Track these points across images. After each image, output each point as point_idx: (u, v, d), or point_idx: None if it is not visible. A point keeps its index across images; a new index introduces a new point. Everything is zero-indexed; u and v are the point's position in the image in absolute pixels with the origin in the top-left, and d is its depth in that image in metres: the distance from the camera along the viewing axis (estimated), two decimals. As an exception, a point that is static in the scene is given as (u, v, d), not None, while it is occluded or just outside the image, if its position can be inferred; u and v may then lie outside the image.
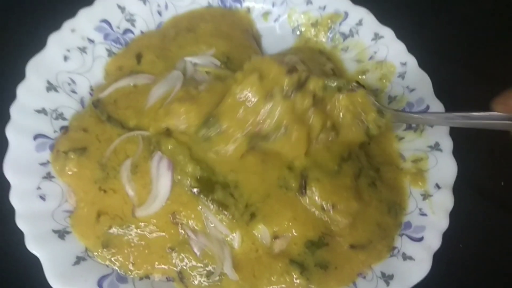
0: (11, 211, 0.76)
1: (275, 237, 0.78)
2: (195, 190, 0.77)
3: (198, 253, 0.78)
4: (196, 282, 0.78)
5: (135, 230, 0.78)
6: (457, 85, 1.04)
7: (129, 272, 0.78)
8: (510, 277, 0.90)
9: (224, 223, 0.77)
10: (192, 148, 0.80)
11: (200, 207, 0.78)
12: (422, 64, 0.97)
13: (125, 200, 0.79)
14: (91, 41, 0.94)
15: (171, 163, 0.78)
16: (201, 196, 0.77)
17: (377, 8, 1.02)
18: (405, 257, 0.81)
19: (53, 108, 0.87)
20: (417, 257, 0.80)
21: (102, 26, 0.96)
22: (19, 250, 0.74)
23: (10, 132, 0.81)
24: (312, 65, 0.95)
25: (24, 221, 0.75)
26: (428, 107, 0.93)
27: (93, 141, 0.84)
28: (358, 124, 0.84)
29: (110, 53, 0.96)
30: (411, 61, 0.97)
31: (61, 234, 0.77)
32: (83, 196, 0.81)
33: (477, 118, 0.74)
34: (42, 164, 0.82)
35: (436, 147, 0.90)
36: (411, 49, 0.98)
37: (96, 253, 0.78)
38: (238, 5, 1.06)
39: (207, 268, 0.78)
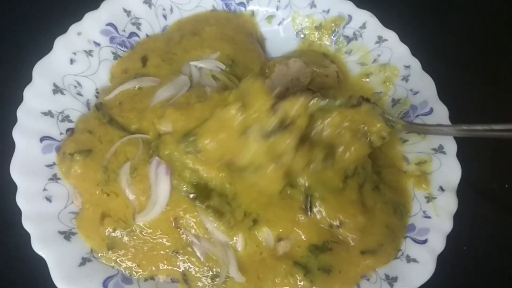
0: (17, 212, 0.76)
1: (279, 239, 0.78)
2: (191, 195, 0.77)
3: (201, 258, 0.78)
4: (200, 285, 0.79)
5: (138, 233, 0.79)
6: (461, 87, 1.04)
7: (134, 274, 0.78)
8: (514, 279, 0.90)
9: (220, 229, 0.77)
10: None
11: (196, 212, 0.78)
12: (425, 67, 0.97)
13: (127, 204, 0.79)
14: (97, 44, 0.95)
15: (169, 168, 0.78)
16: (197, 202, 0.77)
17: (380, 11, 1.02)
18: (409, 259, 0.81)
19: (59, 110, 0.88)
20: (421, 259, 0.80)
21: (108, 29, 0.97)
22: (25, 251, 0.74)
23: (17, 134, 0.82)
24: (316, 67, 0.96)
25: (31, 222, 0.76)
26: (432, 110, 0.93)
27: (97, 143, 0.84)
28: (359, 139, 0.81)
29: (115, 56, 0.97)
30: (415, 64, 0.98)
31: (67, 235, 0.78)
32: (88, 197, 0.81)
33: (499, 131, 0.73)
34: (48, 166, 0.83)
35: (440, 149, 0.90)
36: (414, 52, 0.98)
37: (101, 254, 0.79)
38: (243, 9, 1.06)
39: (211, 271, 0.78)
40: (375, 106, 0.80)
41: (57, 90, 0.89)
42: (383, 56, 1.00)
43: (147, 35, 1.01)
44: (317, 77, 0.96)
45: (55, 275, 0.73)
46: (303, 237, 0.78)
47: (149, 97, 0.87)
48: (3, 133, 0.83)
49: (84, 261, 0.77)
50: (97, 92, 0.94)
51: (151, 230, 0.78)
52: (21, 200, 0.77)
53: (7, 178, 0.78)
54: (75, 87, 0.91)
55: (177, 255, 0.79)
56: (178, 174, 0.78)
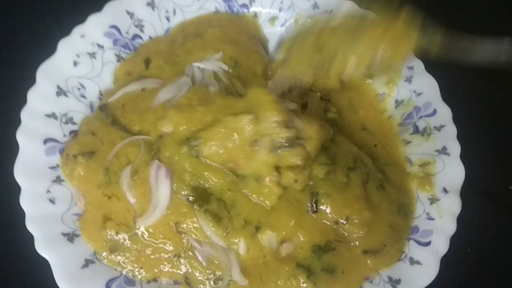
0: (21, 214, 0.77)
1: (282, 241, 0.78)
2: (190, 198, 0.77)
3: (203, 262, 0.78)
4: (202, 287, 0.79)
5: (140, 237, 0.79)
6: (465, 88, 1.04)
7: (137, 275, 0.78)
8: (518, 282, 0.90)
9: (217, 234, 0.76)
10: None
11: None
12: (429, 68, 0.96)
13: (128, 207, 0.79)
14: (100, 46, 0.96)
15: (169, 171, 0.78)
16: (195, 205, 0.77)
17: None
18: (413, 261, 0.80)
19: (63, 112, 0.88)
20: (425, 261, 0.80)
21: (111, 31, 0.97)
22: (29, 252, 0.75)
23: (20, 136, 0.82)
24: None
25: (34, 224, 0.76)
26: (435, 111, 0.93)
27: (99, 144, 0.84)
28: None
29: (119, 58, 0.97)
30: (418, 65, 0.97)
31: (70, 237, 0.78)
32: (91, 199, 0.82)
33: None
34: (52, 168, 0.84)
35: (443, 151, 0.89)
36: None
37: (104, 256, 0.79)
38: (245, 10, 1.06)
39: (214, 275, 0.78)
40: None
41: (60, 92, 0.89)
42: (386, 57, 1.00)
43: (150, 37, 1.01)
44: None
45: (58, 277, 0.73)
46: (306, 238, 0.77)
47: (151, 99, 0.87)
48: (7, 135, 0.84)
49: (87, 263, 0.77)
50: (101, 94, 0.94)
51: (153, 234, 0.78)
52: (25, 202, 0.78)
53: (11, 180, 0.79)
54: (79, 89, 0.92)
55: (179, 259, 0.79)
56: (178, 177, 0.77)
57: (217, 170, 0.78)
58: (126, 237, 0.79)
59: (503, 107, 1.05)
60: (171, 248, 0.78)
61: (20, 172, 0.80)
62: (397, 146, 0.94)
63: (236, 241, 0.77)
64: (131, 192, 0.79)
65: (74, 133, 0.88)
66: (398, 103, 0.98)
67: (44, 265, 0.74)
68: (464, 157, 0.88)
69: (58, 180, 0.83)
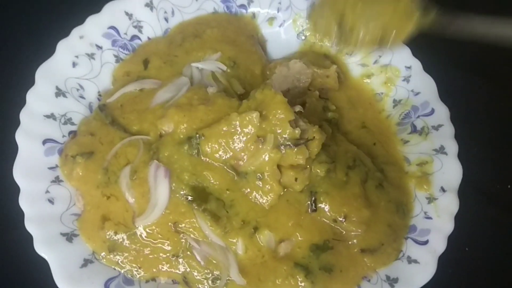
0: (20, 214, 0.77)
1: (280, 241, 0.78)
2: (188, 198, 0.77)
3: (202, 262, 0.78)
4: (201, 287, 0.79)
5: (139, 237, 0.79)
6: (462, 88, 1.04)
7: (135, 275, 0.79)
8: (516, 281, 0.90)
9: (216, 233, 0.77)
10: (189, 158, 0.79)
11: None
12: (427, 68, 0.97)
13: (127, 207, 0.79)
14: (99, 47, 0.96)
15: (168, 171, 0.78)
16: (194, 205, 0.77)
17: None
18: (410, 260, 0.81)
19: (61, 113, 0.89)
20: (422, 260, 0.80)
21: (110, 32, 0.97)
22: (28, 252, 0.75)
23: (19, 137, 0.83)
24: (317, 68, 0.96)
25: (33, 224, 0.77)
26: (433, 110, 0.93)
27: (98, 144, 0.85)
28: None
29: (117, 59, 0.98)
30: (416, 64, 0.98)
31: (69, 237, 0.79)
32: (90, 199, 0.82)
33: None
34: (51, 168, 0.84)
35: (441, 150, 0.90)
36: (415, 53, 0.98)
37: (102, 256, 0.79)
38: (244, 11, 1.07)
39: (212, 274, 0.78)
40: None
41: (59, 93, 0.90)
42: (384, 57, 1.00)
43: (149, 38, 1.02)
44: (317, 78, 0.96)
45: (57, 277, 0.74)
46: (304, 237, 0.78)
47: (150, 99, 0.87)
48: (6, 136, 0.84)
49: (86, 262, 0.77)
50: (99, 95, 0.94)
51: (151, 234, 0.78)
52: (24, 202, 0.78)
53: (10, 180, 0.79)
54: (78, 90, 0.92)
55: (177, 258, 0.79)
56: (177, 177, 0.78)
57: (216, 169, 0.78)
58: (125, 237, 0.79)
59: (501, 106, 1.05)
60: (170, 248, 0.79)
61: (19, 173, 0.80)
62: (395, 145, 0.95)
63: (234, 241, 0.77)
64: (130, 192, 0.79)
65: (73, 134, 0.88)
66: (396, 102, 0.98)
67: (43, 265, 0.74)
68: (461, 156, 0.88)
69: (57, 180, 0.83)
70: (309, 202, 0.79)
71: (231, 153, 0.77)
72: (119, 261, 0.79)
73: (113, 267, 0.79)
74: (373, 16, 0.86)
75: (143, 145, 0.82)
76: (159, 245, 0.79)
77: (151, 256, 0.79)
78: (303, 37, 1.06)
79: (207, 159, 0.78)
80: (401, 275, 0.79)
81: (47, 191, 0.81)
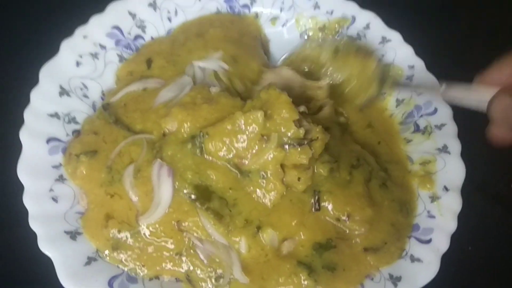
0: (24, 212, 0.77)
1: (283, 239, 0.78)
2: (192, 196, 0.77)
3: (205, 261, 0.78)
4: (204, 286, 0.79)
5: (142, 235, 0.79)
6: (465, 87, 1.04)
7: (139, 273, 0.79)
8: (519, 280, 0.89)
9: (219, 231, 0.77)
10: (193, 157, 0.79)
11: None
12: (430, 67, 0.97)
13: (130, 206, 0.80)
14: (102, 47, 0.96)
15: (171, 170, 0.78)
16: (197, 203, 0.77)
17: (384, 11, 1.02)
18: (413, 259, 0.81)
19: (65, 112, 0.89)
20: (425, 259, 0.80)
21: (114, 32, 0.98)
22: (32, 250, 0.75)
23: (23, 135, 0.83)
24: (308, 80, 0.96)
25: (37, 222, 0.77)
26: (436, 109, 0.93)
27: (101, 143, 0.85)
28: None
29: (121, 58, 0.98)
30: (419, 64, 0.98)
31: (73, 235, 0.79)
32: (93, 198, 0.82)
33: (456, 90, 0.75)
34: (55, 167, 0.84)
35: (444, 149, 0.90)
36: (418, 52, 0.98)
37: (106, 254, 0.79)
38: (247, 11, 1.07)
39: (215, 273, 0.78)
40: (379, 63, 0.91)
41: (63, 92, 0.90)
42: (387, 56, 1.01)
43: (152, 38, 1.02)
44: (307, 90, 0.94)
45: (61, 274, 0.74)
46: (307, 236, 0.78)
47: (153, 98, 0.88)
48: (11, 135, 0.84)
49: (90, 260, 0.77)
50: (103, 94, 0.95)
51: (155, 232, 0.79)
52: (28, 200, 0.78)
53: (14, 178, 0.79)
54: (81, 89, 0.93)
55: (181, 257, 0.79)
56: (180, 176, 0.78)
57: (220, 168, 0.78)
58: (129, 235, 0.79)
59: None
60: (173, 246, 0.79)
61: (23, 171, 0.80)
62: (399, 144, 0.95)
63: (237, 239, 0.77)
64: (133, 190, 0.79)
65: (76, 133, 0.89)
66: (399, 102, 0.98)
67: (47, 263, 0.74)
68: (464, 155, 0.88)
69: (61, 179, 0.83)
70: (312, 201, 0.79)
71: (235, 151, 0.77)
72: (123, 259, 0.79)
73: (116, 265, 0.79)
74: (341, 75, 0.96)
75: (146, 144, 0.82)
76: (163, 243, 0.79)
77: (154, 254, 0.79)
78: (306, 37, 1.07)
79: (211, 158, 0.79)
80: (404, 274, 0.79)
81: (51, 190, 0.81)
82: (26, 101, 0.86)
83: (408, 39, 1.00)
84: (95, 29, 0.96)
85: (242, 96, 0.88)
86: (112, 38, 0.98)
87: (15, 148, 0.82)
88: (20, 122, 0.84)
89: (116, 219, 0.80)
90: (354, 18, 1.03)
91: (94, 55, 0.95)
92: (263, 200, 0.78)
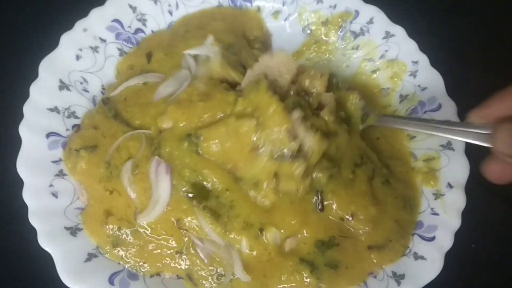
0: (24, 208, 0.77)
1: (286, 237, 0.77)
2: (189, 195, 0.77)
3: (205, 260, 0.77)
4: (206, 284, 0.78)
5: (142, 233, 0.78)
6: (470, 83, 1.03)
7: (140, 270, 0.78)
8: (523, 277, 0.89)
9: (216, 231, 0.76)
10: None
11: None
12: (434, 63, 0.96)
13: (129, 203, 0.79)
14: (103, 40, 0.95)
15: (169, 167, 0.77)
16: (194, 201, 0.76)
17: (388, 6, 1.01)
18: (417, 256, 0.80)
19: (65, 106, 0.88)
20: (429, 256, 0.79)
21: (114, 25, 0.97)
22: (31, 246, 0.75)
23: (23, 130, 0.82)
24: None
25: (37, 218, 0.76)
26: (440, 105, 0.92)
27: (100, 138, 0.84)
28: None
29: (121, 52, 0.97)
30: (423, 59, 0.97)
31: (73, 231, 0.78)
32: (93, 193, 0.81)
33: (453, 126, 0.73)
34: (55, 162, 0.83)
35: (448, 146, 0.89)
36: (422, 47, 0.97)
37: (106, 250, 0.78)
38: (249, 4, 1.06)
39: (216, 271, 0.78)
40: (361, 99, 0.87)
41: (63, 86, 0.89)
42: (390, 51, 0.99)
43: (152, 31, 1.01)
44: (306, 78, 0.85)
45: (61, 271, 0.73)
46: (310, 234, 0.77)
47: (153, 92, 0.86)
48: (10, 129, 0.83)
49: (90, 256, 0.77)
50: (103, 88, 0.94)
51: (155, 230, 0.78)
52: (28, 196, 0.77)
53: (14, 174, 0.79)
54: (81, 83, 0.92)
55: (181, 255, 0.78)
56: (178, 173, 0.77)
57: (216, 168, 0.77)
58: (129, 232, 0.79)
59: (509, 102, 1.04)
60: (174, 244, 0.78)
61: (23, 166, 0.80)
62: (401, 139, 0.94)
63: (239, 238, 0.76)
64: (131, 187, 0.78)
65: (76, 127, 0.88)
66: (402, 97, 0.97)
67: (47, 259, 0.74)
68: (469, 152, 0.87)
69: (60, 174, 0.83)
70: (315, 201, 0.78)
71: (229, 156, 0.76)
72: (123, 256, 0.78)
73: (117, 261, 0.78)
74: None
75: (145, 140, 0.81)
76: (163, 241, 0.78)
77: (155, 252, 0.78)
78: (308, 31, 1.06)
79: (207, 157, 0.77)
80: (407, 272, 0.79)
81: (51, 185, 0.81)
82: (25, 95, 0.85)
83: (412, 34, 0.99)
84: (95, 23, 0.95)
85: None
86: (113, 32, 0.97)
87: (15, 143, 0.81)
88: (19, 116, 0.83)
89: (115, 216, 0.79)
90: (357, 13, 1.02)
91: (94, 49, 0.94)
92: (260, 203, 0.77)
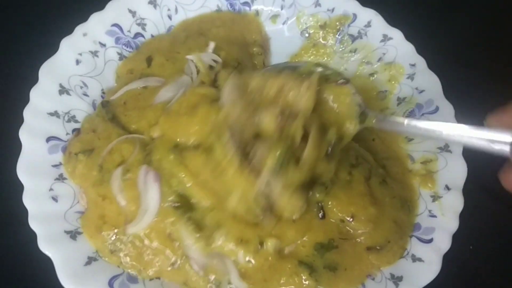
0: (24, 212, 0.77)
1: (286, 245, 0.77)
2: (175, 204, 0.76)
3: (200, 272, 0.76)
4: None
5: (138, 243, 0.78)
6: (467, 86, 1.04)
7: (139, 274, 0.78)
8: (521, 279, 0.89)
9: (197, 245, 0.75)
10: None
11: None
12: (431, 65, 0.96)
13: (119, 211, 0.78)
14: (102, 45, 0.96)
15: (158, 175, 0.76)
16: (179, 211, 0.75)
17: (385, 9, 1.02)
18: (415, 258, 0.80)
19: (65, 111, 0.89)
20: (427, 258, 0.80)
21: (114, 30, 0.97)
22: (31, 250, 0.75)
23: (23, 134, 0.82)
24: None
25: (37, 222, 0.76)
26: (437, 108, 0.93)
27: (96, 140, 0.84)
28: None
29: (121, 56, 0.98)
30: (420, 62, 0.97)
31: (73, 234, 0.78)
32: (90, 198, 0.81)
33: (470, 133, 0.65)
34: (55, 166, 0.84)
35: (445, 148, 0.89)
36: (420, 50, 0.98)
37: (105, 255, 0.78)
38: (247, 8, 1.06)
39: (213, 281, 0.77)
40: (357, 94, 0.78)
41: (63, 90, 0.90)
42: (388, 54, 1.00)
43: (152, 36, 1.02)
44: (291, 90, 0.76)
45: (61, 274, 0.73)
46: (309, 237, 0.77)
47: (153, 97, 0.87)
48: (10, 134, 0.84)
49: (90, 260, 0.77)
50: (103, 93, 0.94)
51: (149, 240, 0.77)
52: (28, 200, 0.78)
53: (14, 178, 0.79)
54: (81, 87, 0.92)
55: (176, 266, 0.77)
56: (166, 181, 0.76)
57: (202, 187, 0.75)
58: (125, 240, 0.78)
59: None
60: (169, 254, 0.77)
61: (23, 170, 0.80)
62: (397, 141, 0.94)
63: (235, 250, 0.74)
64: (121, 194, 0.77)
65: (76, 131, 0.88)
66: (400, 100, 0.98)
67: (47, 263, 0.74)
68: (466, 154, 0.87)
69: (60, 178, 0.83)
70: (316, 210, 0.78)
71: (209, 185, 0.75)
72: (122, 261, 0.78)
73: (116, 265, 0.78)
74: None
75: (139, 144, 0.81)
76: (158, 252, 0.77)
77: (152, 259, 0.78)
78: (306, 35, 1.06)
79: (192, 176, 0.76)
80: (405, 274, 0.79)
81: (51, 189, 0.81)
82: (25, 99, 0.85)
83: (409, 37, 0.99)
84: (95, 27, 0.95)
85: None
86: (112, 36, 0.97)
87: (15, 147, 0.82)
88: (19, 121, 0.83)
89: (109, 223, 0.79)
90: (355, 16, 1.03)
91: (94, 53, 0.95)
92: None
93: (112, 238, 0.78)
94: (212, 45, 0.93)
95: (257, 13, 1.07)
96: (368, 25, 1.02)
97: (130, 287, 0.76)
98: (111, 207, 0.79)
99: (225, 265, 0.75)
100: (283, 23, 1.07)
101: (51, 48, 0.90)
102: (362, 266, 0.79)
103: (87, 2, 0.99)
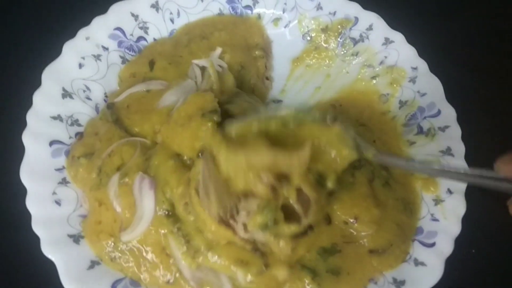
0: (27, 216, 0.77)
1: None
2: (167, 212, 0.75)
3: (195, 286, 0.75)
4: None
5: (136, 252, 0.77)
6: (469, 89, 1.04)
7: (141, 283, 0.78)
8: (524, 283, 0.89)
9: (185, 260, 0.74)
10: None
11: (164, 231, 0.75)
12: (433, 68, 0.96)
13: (115, 218, 0.78)
14: (105, 48, 0.96)
15: (153, 183, 0.76)
16: (170, 220, 0.75)
17: (387, 13, 1.02)
18: (417, 262, 0.80)
19: (68, 114, 0.89)
20: (429, 263, 0.80)
21: (116, 33, 0.98)
22: (34, 254, 0.75)
23: (26, 138, 0.83)
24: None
25: (40, 225, 0.77)
26: (439, 111, 0.93)
27: (97, 143, 0.84)
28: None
29: (124, 60, 0.98)
30: (422, 65, 0.97)
31: (76, 238, 0.79)
32: (89, 202, 0.81)
33: (475, 177, 0.66)
34: (58, 169, 0.84)
35: (448, 152, 0.89)
36: (422, 54, 0.98)
37: (106, 260, 0.78)
38: (249, 12, 1.07)
39: None
40: (348, 127, 0.74)
41: (66, 94, 0.90)
42: (390, 57, 1.00)
43: (154, 39, 1.02)
44: (282, 161, 0.69)
45: (65, 278, 0.74)
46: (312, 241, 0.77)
47: (156, 100, 0.87)
48: (13, 137, 0.84)
49: (93, 264, 0.77)
50: (106, 96, 0.94)
51: (145, 254, 0.77)
52: (31, 204, 0.78)
53: (17, 182, 0.79)
54: (84, 91, 0.92)
55: (173, 281, 0.76)
56: (161, 189, 0.76)
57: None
58: (123, 248, 0.77)
59: (509, 107, 1.04)
60: (164, 270, 0.76)
61: (26, 174, 0.80)
62: (398, 143, 0.94)
63: (234, 270, 0.72)
64: (117, 200, 0.77)
65: (79, 135, 0.88)
66: (402, 103, 0.98)
67: (50, 266, 0.74)
68: (468, 157, 0.87)
69: (64, 182, 0.83)
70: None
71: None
72: (122, 268, 0.78)
73: (118, 271, 0.78)
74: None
75: (140, 148, 0.81)
76: (155, 267, 0.77)
77: (151, 273, 0.77)
78: (308, 38, 1.06)
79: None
80: (408, 278, 0.79)
81: (54, 193, 0.81)
82: (28, 103, 0.85)
83: (411, 40, 0.99)
84: (97, 31, 0.95)
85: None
86: (115, 40, 0.97)
87: (18, 151, 0.82)
88: (22, 124, 0.84)
89: (105, 231, 0.78)
90: (357, 19, 1.03)
91: (97, 57, 0.95)
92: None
93: (111, 247, 0.78)
94: (218, 50, 0.94)
95: (259, 16, 1.07)
96: (370, 28, 1.02)
97: (133, 291, 0.76)
98: (107, 214, 0.78)
99: (219, 280, 0.74)
100: (285, 27, 1.07)
101: (54, 52, 0.91)
102: (364, 270, 0.79)
103: (90, 5, 0.99)
